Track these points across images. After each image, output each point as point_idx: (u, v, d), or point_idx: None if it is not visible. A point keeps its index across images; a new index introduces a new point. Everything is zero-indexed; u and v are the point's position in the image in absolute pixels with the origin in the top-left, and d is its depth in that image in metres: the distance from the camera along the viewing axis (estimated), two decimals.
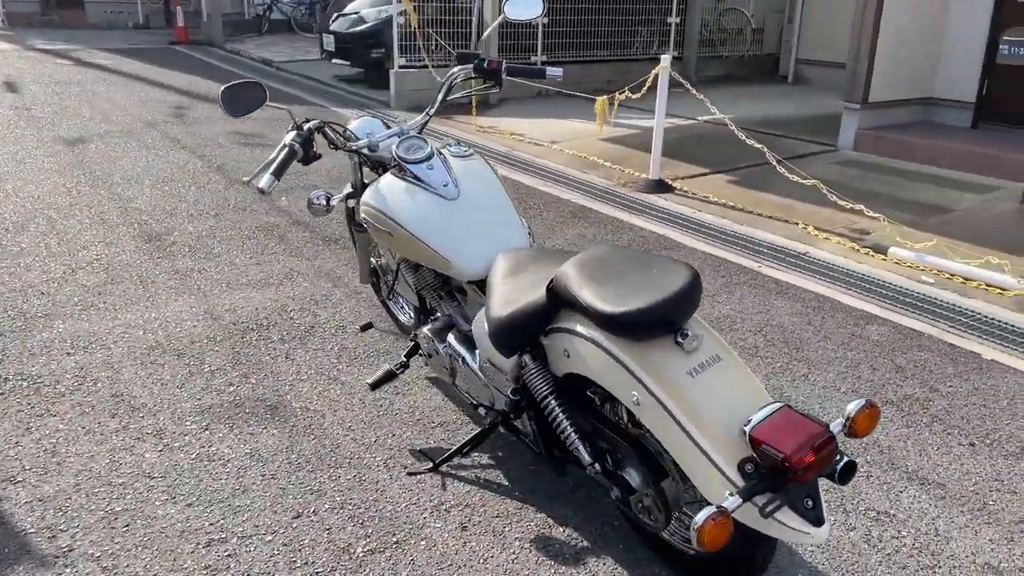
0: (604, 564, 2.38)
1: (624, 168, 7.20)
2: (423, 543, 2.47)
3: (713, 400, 1.85)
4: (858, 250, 5.26)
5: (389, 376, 3.07)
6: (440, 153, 2.82)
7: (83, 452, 2.90)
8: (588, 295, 1.99)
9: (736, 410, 1.83)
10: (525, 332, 2.24)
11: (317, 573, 2.35)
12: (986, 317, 4.27)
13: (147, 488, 2.72)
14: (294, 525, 2.55)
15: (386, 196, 2.74)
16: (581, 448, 2.25)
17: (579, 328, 2.08)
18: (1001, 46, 6.07)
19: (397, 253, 2.98)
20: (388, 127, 3.08)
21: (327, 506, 2.64)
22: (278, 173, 2.63)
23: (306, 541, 2.48)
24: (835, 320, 4.18)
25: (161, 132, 8.20)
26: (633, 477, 2.19)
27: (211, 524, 2.55)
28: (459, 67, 2.99)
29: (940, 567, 2.40)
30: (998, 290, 4.62)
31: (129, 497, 2.67)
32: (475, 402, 2.83)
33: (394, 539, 2.49)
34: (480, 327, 2.53)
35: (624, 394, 1.97)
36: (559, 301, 2.14)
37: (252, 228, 5.36)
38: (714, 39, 12.79)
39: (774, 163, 6.35)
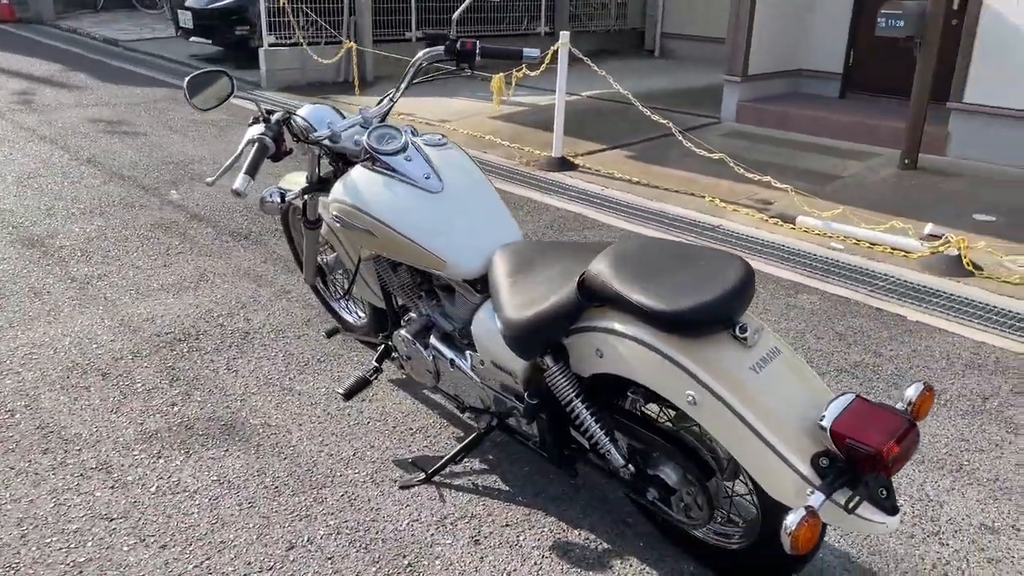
0: (630, 565, 2.32)
1: (523, 147, 7.12)
2: (438, 562, 2.32)
3: (779, 395, 1.80)
4: (767, 220, 5.42)
5: (363, 384, 2.87)
6: (414, 143, 2.62)
7: (20, 497, 2.55)
8: (636, 292, 1.89)
9: (803, 404, 1.80)
10: (552, 333, 2.12)
11: None
12: (899, 280, 4.49)
13: (108, 532, 2.41)
14: (291, 558, 2.33)
15: (362, 191, 2.52)
16: (613, 450, 2.17)
17: (618, 327, 1.98)
18: (879, 19, 6.40)
19: (366, 252, 2.76)
20: (342, 115, 2.84)
21: (321, 532, 2.44)
22: (252, 172, 2.36)
23: (309, 575, 2.27)
24: (767, 291, 4.27)
25: (11, 122, 7.40)
26: (670, 476, 2.12)
27: (195, 567, 2.29)
28: (427, 50, 2.79)
29: (943, 532, 2.48)
30: (903, 253, 4.87)
31: (90, 545, 2.36)
32: (464, 405, 2.69)
33: (406, 561, 2.32)
34: (484, 328, 2.38)
35: (675, 393, 1.90)
36: (591, 299, 2.02)
37: (148, 226, 4.91)
38: (581, 14, 12.88)
39: (679, 136, 6.44)
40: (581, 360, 2.14)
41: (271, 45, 9.45)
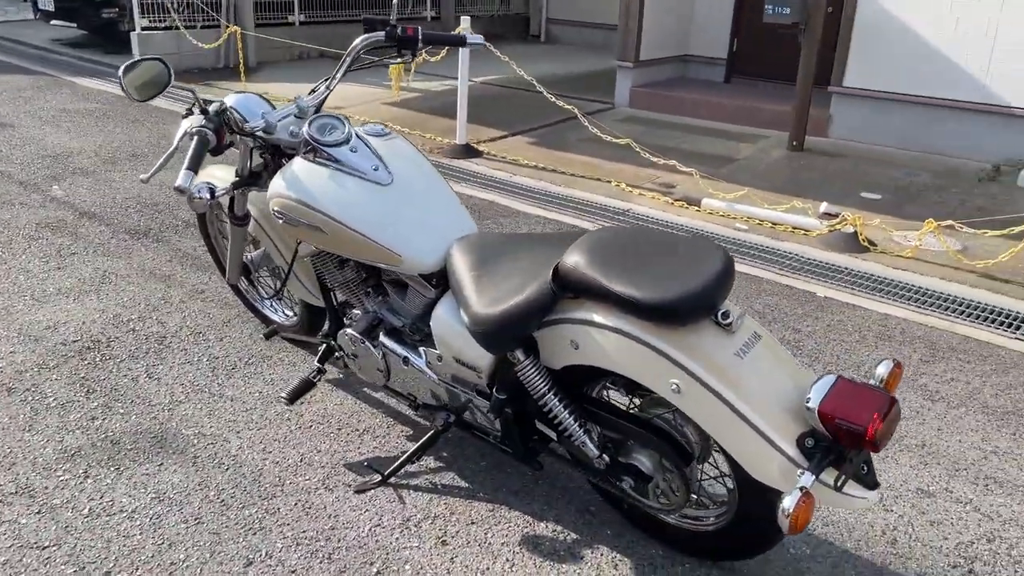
0: (601, 554, 2.32)
1: (424, 133, 7.01)
2: (408, 567, 2.25)
3: (763, 379, 1.83)
4: (672, 203, 5.54)
5: (307, 386, 2.75)
6: (358, 133, 2.52)
7: None
8: (617, 283, 1.87)
9: (785, 387, 1.83)
10: (525, 327, 2.08)
11: None
12: (803, 257, 4.69)
13: (44, 562, 2.22)
14: (250, 574, 2.21)
15: (308, 185, 2.40)
16: (587, 441, 2.16)
17: (597, 318, 1.96)
18: (766, 6, 6.65)
19: (305, 248, 2.64)
20: (272, 105, 2.70)
21: (279, 545, 2.32)
22: (194, 167, 2.20)
23: None
24: None
25: None
26: (646, 463, 2.13)
27: None
28: (365, 35, 2.67)
29: (886, 498, 2.61)
30: (803, 231, 5.09)
31: None
32: (417, 403, 2.62)
33: (374, 569, 2.24)
34: (445, 324, 2.32)
35: (659, 382, 1.90)
36: (565, 290, 2.00)
37: (33, 225, 4.54)
38: None
39: (584, 121, 6.50)
40: (553, 353, 2.11)
41: (144, 29, 8.92)
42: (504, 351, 2.16)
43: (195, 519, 2.40)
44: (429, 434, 2.56)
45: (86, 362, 3.20)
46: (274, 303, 3.43)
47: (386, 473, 2.57)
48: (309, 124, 2.45)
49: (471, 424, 2.50)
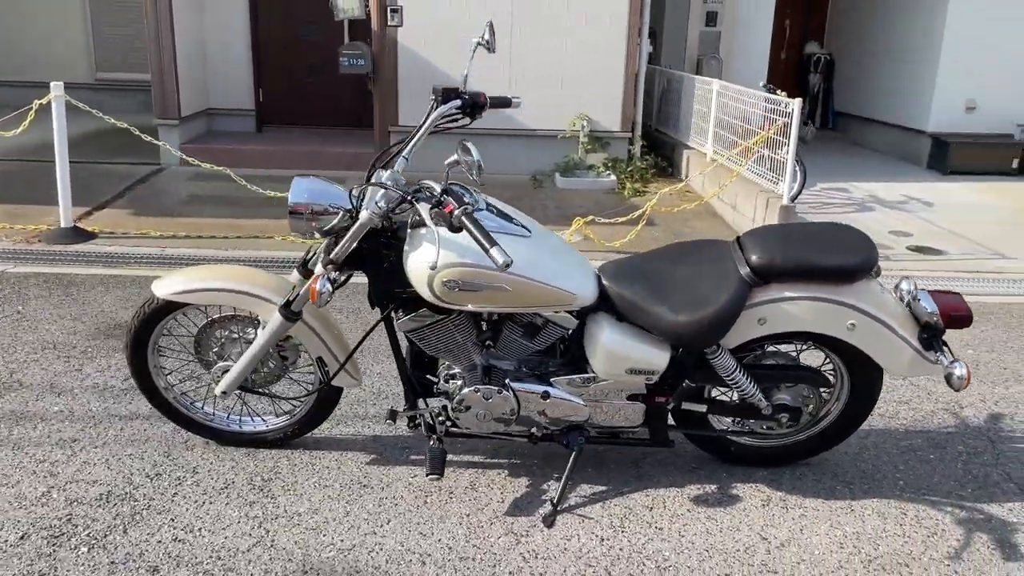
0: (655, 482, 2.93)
1: None
2: (631, 552, 2.56)
3: (892, 305, 2.71)
4: None
5: (442, 455, 2.70)
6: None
7: None
8: (820, 259, 2.56)
9: (901, 308, 2.73)
10: (734, 320, 2.58)
11: None
12: None
13: None
14: None
15: (471, 249, 2.46)
16: (760, 396, 2.76)
17: (789, 293, 2.61)
18: (342, 58, 7.14)
19: (408, 323, 2.65)
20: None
21: (572, 570, 2.38)
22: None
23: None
24: None
25: None
26: (792, 400, 2.83)
27: None
28: (443, 105, 2.68)
29: None
30: None
31: None
32: (536, 435, 2.81)
33: (625, 563, 2.50)
34: (617, 341, 2.63)
35: (837, 326, 2.64)
36: (765, 279, 2.59)
37: None
38: None
39: (168, 183, 6.18)
40: (736, 335, 2.67)
41: None
42: (711, 345, 2.62)
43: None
44: (574, 456, 2.80)
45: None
46: (245, 413, 3.02)
47: (555, 501, 2.74)
48: (444, 194, 2.47)
49: (604, 433, 2.84)
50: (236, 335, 2.91)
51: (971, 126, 9.47)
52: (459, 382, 2.75)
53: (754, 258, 2.63)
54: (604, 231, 6.10)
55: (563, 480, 2.78)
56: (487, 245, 2.17)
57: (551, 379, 2.76)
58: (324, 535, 2.60)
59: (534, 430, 2.82)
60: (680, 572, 2.49)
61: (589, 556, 2.54)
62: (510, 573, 2.45)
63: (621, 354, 2.67)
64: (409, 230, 2.59)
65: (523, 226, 2.64)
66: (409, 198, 2.42)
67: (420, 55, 7.93)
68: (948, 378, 2.59)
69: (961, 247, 6.32)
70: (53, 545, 2.49)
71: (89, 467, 2.90)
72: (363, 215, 2.49)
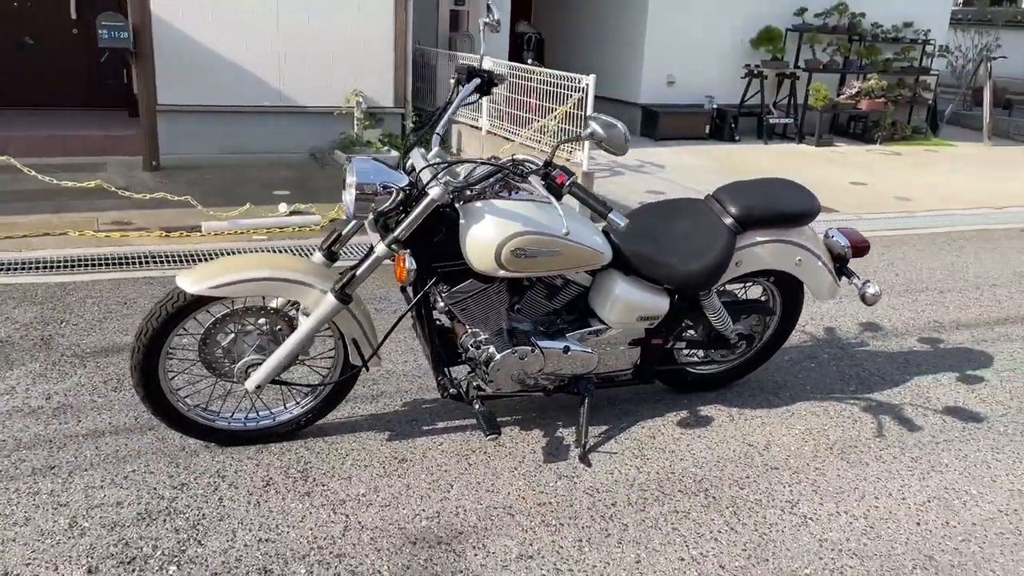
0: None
1: None
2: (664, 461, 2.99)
3: (821, 243, 3.36)
4: (168, 235, 5.45)
5: (491, 416, 2.84)
6: None
7: None
8: (781, 208, 3.11)
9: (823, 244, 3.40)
10: (727, 266, 3.04)
11: None
12: (311, 247, 5.51)
13: None
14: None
15: (537, 219, 2.69)
16: (732, 328, 3.26)
17: (760, 238, 3.14)
18: (100, 30, 6.35)
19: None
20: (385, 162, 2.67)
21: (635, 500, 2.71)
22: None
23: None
24: None
25: None
26: (748, 329, 3.37)
27: None
28: (467, 84, 2.79)
29: None
30: (308, 228, 5.86)
31: None
32: (549, 388, 3.07)
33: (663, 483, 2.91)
34: (632, 292, 2.96)
35: (788, 262, 3.22)
36: (746, 227, 3.09)
37: None
38: None
39: None
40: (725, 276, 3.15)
41: None
42: (708, 289, 3.06)
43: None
44: (587, 402, 3.11)
45: None
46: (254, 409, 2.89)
47: (584, 444, 3.04)
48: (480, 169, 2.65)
49: (601, 378, 3.18)
50: (250, 327, 2.77)
51: (673, 98, 10.96)
52: (489, 347, 2.90)
53: (735, 210, 3.12)
54: None
55: (584, 425, 3.07)
56: (604, 210, 2.39)
57: (568, 334, 3.03)
58: (403, 508, 2.65)
59: (548, 384, 3.07)
60: (713, 483, 2.92)
61: (637, 483, 2.88)
62: (588, 509, 2.71)
63: (635, 304, 3.01)
64: (463, 204, 2.68)
65: (544, 194, 2.85)
66: (513, 170, 2.53)
67: (179, 29, 7.37)
68: (863, 296, 3.30)
69: None
70: (132, 571, 2.27)
71: (96, 490, 2.61)
72: (435, 191, 2.54)
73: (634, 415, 3.36)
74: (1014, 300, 5.03)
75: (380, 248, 2.64)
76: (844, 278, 3.40)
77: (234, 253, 4.73)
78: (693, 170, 8.79)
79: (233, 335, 2.76)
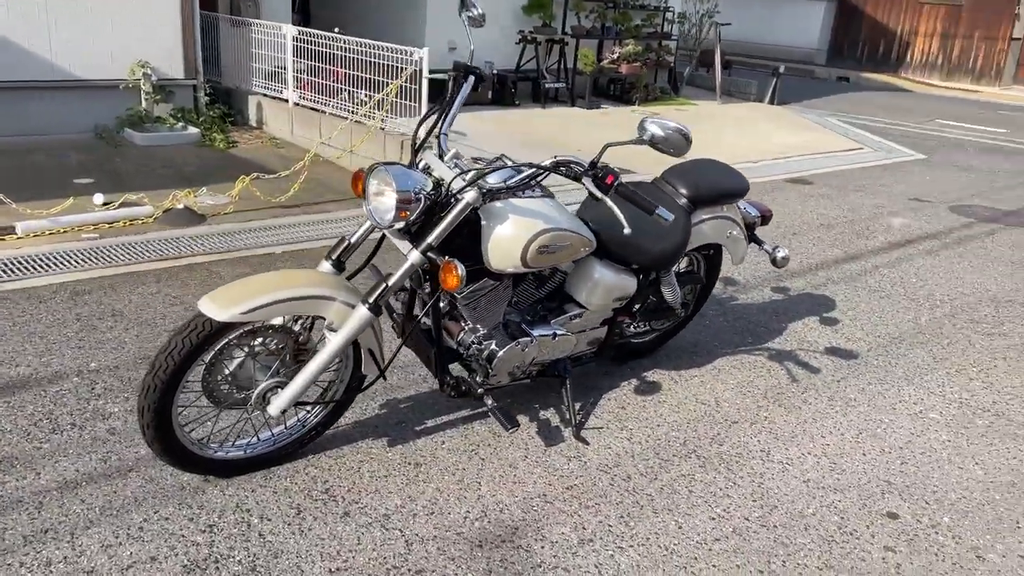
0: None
1: None
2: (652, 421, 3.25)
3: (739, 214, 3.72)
4: None
5: (506, 411, 2.88)
6: None
7: None
8: (723, 187, 3.41)
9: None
10: (687, 242, 3.29)
11: None
12: (172, 239, 5.06)
13: None
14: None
15: (553, 215, 2.76)
16: (680, 297, 3.53)
17: (704, 215, 3.41)
18: None
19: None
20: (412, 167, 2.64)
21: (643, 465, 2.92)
22: None
23: None
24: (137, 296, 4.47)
25: None
26: (683, 297, 3.66)
27: None
28: (464, 81, 2.79)
29: None
30: (140, 220, 5.33)
31: None
32: (531, 372, 3.16)
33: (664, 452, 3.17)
34: (609, 275, 3.08)
35: (723, 235, 3.54)
36: (697, 206, 3.35)
37: None
38: None
39: None
40: None
41: None
42: (671, 267, 3.29)
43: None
44: (567, 382, 3.23)
45: None
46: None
47: (576, 423, 3.19)
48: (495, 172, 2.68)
49: (574, 357, 3.33)
50: (259, 349, 2.56)
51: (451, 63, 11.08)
52: (492, 342, 2.92)
53: (686, 191, 3.37)
54: (265, 186, 5.95)
55: (570, 404, 3.20)
56: (652, 207, 2.50)
57: (551, 320, 3.12)
58: (449, 513, 2.64)
59: (533, 370, 3.16)
60: (697, 444, 3.20)
61: (637, 454, 3.08)
62: (611, 486, 2.86)
63: (612, 286, 3.17)
64: (483, 205, 2.65)
65: (539, 189, 2.90)
66: (564, 172, 2.54)
67: None
68: (774, 260, 3.72)
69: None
70: None
71: (116, 548, 2.31)
72: (470, 195, 2.51)
73: (596, 390, 3.54)
74: (821, 247, 5.83)
75: (414, 255, 2.55)
76: (754, 244, 3.80)
77: (63, 256, 4.27)
78: (497, 136, 9.00)
79: (240, 360, 2.54)
